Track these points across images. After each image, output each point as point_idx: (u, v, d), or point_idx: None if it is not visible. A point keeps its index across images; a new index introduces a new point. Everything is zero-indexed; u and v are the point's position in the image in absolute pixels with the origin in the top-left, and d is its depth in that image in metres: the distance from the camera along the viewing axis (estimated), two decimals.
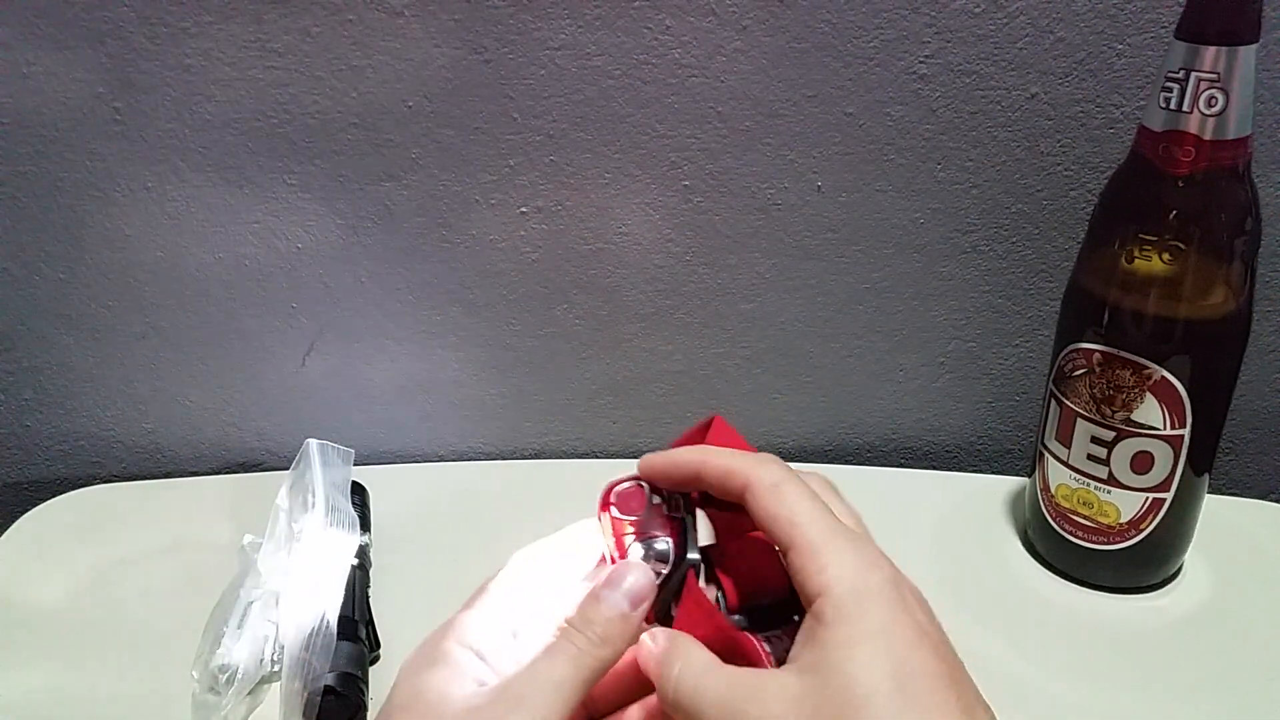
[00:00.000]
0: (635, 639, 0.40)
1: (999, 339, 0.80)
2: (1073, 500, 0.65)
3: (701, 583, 0.40)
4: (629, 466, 0.81)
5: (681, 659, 0.38)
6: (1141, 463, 0.61)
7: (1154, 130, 0.55)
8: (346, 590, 0.62)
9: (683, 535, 0.42)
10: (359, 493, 0.73)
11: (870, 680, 0.33)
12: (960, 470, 0.83)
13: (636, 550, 0.42)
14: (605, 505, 0.45)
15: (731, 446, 0.44)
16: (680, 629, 0.39)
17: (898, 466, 0.83)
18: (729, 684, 0.36)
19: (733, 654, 0.38)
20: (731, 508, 0.41)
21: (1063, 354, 0.63)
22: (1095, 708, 0.58)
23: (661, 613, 0.41)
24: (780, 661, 0.37)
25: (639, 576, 0.41)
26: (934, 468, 0.84)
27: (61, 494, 0.77)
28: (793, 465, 0.41)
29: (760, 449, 0.81)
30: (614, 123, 0.70)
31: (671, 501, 0.44)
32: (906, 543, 0.71)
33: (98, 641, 0.64)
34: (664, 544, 0.42)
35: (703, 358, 0.80)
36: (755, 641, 0.38)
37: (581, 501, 0.76)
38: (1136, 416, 0.60)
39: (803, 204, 0.73)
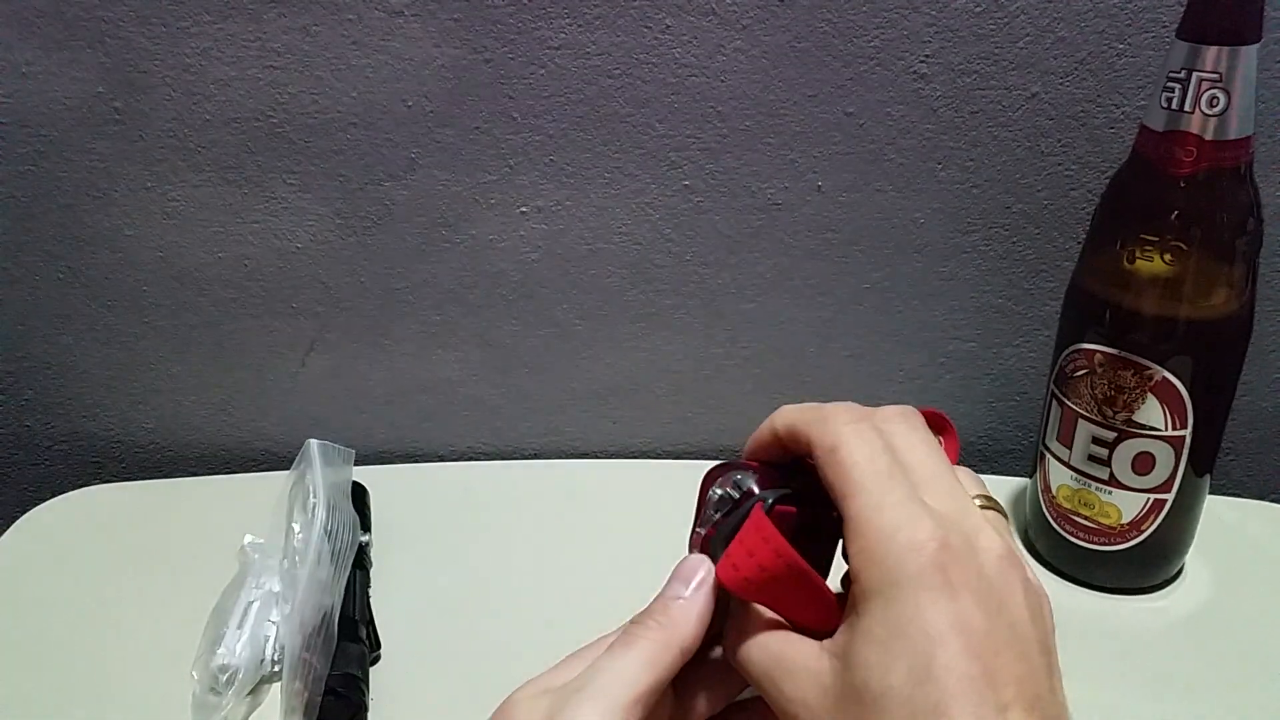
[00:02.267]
0: (702, 622, 0.39)
1: (999, 339, 0.80)
2: (1074, 501, 0.65)
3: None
4: (629, 466, 0.82)
5: (737, 625, 0.38)
6: (1143, 463, 0.61)
7: (1155, 130, 0.55)
8: (347, 590, 0.62)
9: (767, 478, 0.40)
10: (359, 493, 0.73)
11: (886, 678, 0.32)
12: None
13: (714, 493, 0.41)
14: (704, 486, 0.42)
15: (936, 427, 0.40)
16: (735, 554, 0.37)
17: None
18: (774, 657, 0.36)
19: (797, 587, 0.36)
20: None
21: (1064, 354, 0.63)
22: (1096, 708, 0.58)
23: (722, 540, 0.39)
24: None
25: (694, 562, 0.40)
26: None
27: (61, 494, 0.77)
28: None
29: None
30: (614, 123, 0.70)
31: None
32: None
33: (98, 641, 0.64)
34: (745, 481, 0.40)
35: (703, 358, 0.80)
36: (818, 580, 0.37)
37: (581, 502, 0.77)
38: (1138, 417, 0.60)
39: (803, 204, 0.73)
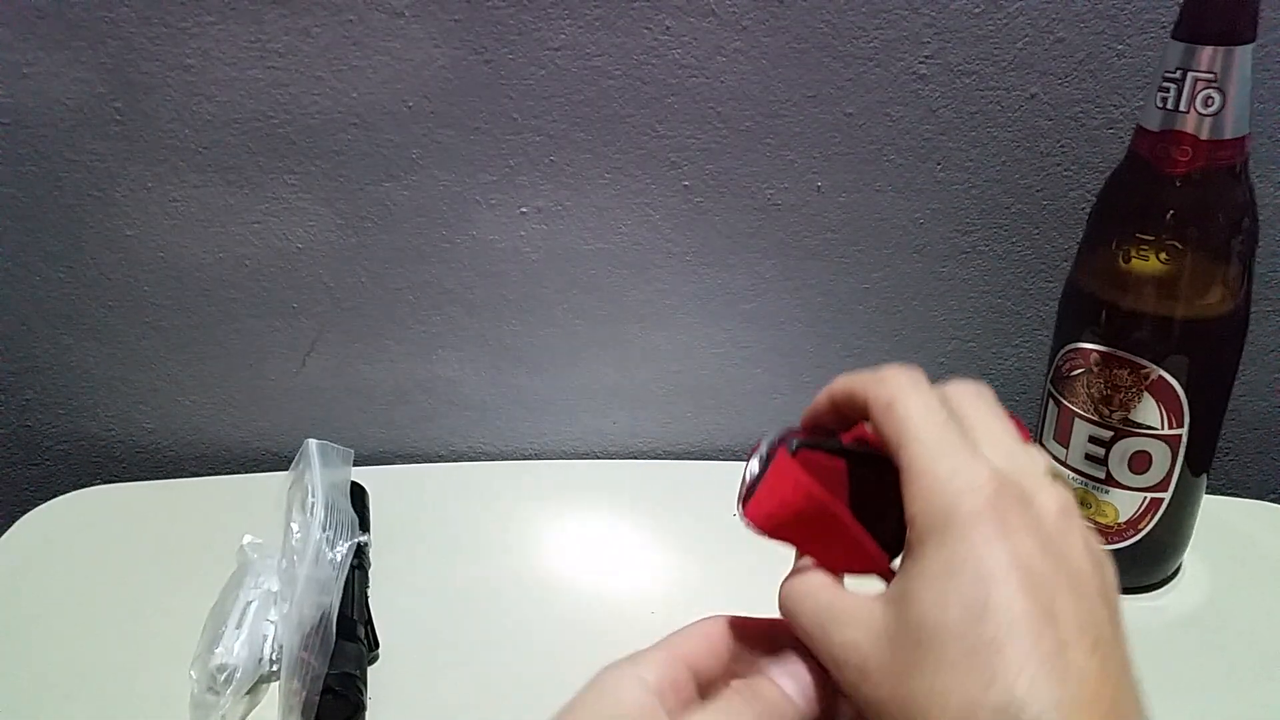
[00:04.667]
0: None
1: (999, 339, 0.80)
2: None
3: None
4: (629, 467, 0.82)
5: (794, 576, 0.38)
6: (1139, 462, 0.61)
7: (1151, 130, 0.55)
8: (345, 590, 0.62)
9: (809, 434, 0.40)
10: (358, 493, 0.73)
11: (939, 618, 0.31)
12: None
13: (754, 458, 0.40)
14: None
15: None
16: (761, 492, 0.37)
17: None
18: (825, 605, 0.36)
19: (827, 527, 0.36)
20: None
21: (1060, 354, 0.63)
22: None
23: (752, 487, 0.39)
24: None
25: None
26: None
27: (61, 494, 0.77)
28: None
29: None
30: (614, 123, 0.70)
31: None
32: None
33: (97, 641, 0.64)
34: (779, 433, 0.39)
35: (703, 358, 0.81)
36: (851, 522, 0.36)
37: (581, 501, 0.77)
38: (1134, 416, 0.60)
39: (803, 204, 0.73)
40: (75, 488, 0.78)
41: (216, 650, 0.59)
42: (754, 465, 0.39)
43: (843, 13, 0.66)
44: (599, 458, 0.85)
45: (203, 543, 0.70)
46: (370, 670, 0.61)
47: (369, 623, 0.63)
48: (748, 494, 0.39)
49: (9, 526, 0.74)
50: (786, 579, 0.39)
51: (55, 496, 0.77)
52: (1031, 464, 0.35)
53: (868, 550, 0.37)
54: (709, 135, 0.70)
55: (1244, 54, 0.52)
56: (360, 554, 0.67)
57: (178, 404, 0.82)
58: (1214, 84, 0.52)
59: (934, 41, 0.67)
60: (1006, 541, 0.32)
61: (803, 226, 0.74)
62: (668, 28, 0.67)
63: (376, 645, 0.62)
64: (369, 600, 0.65)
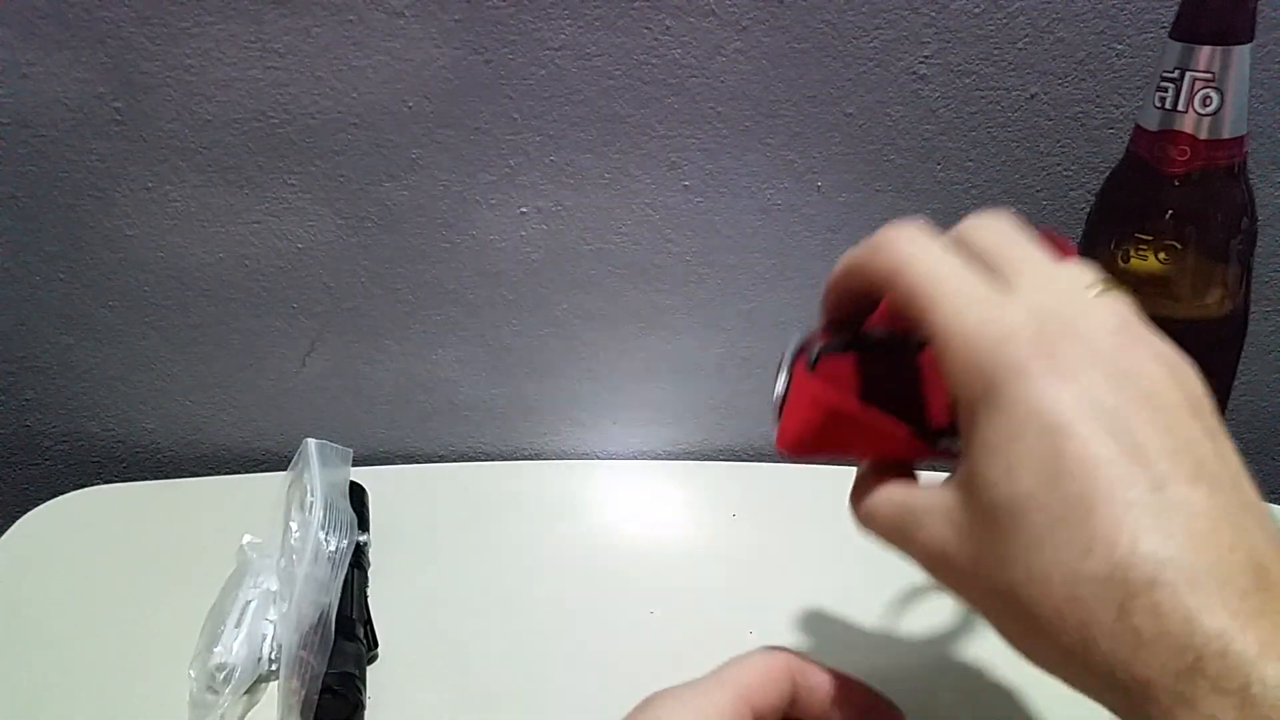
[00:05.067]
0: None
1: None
2: None
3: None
4: (629, 467, 0.82)
5: (857, 489, 0.36)
6: None
7: (1149, 130, 0.55)
8: (345, 589, 0.62)
9: (828, 336, 0.37)
10: (357, 492, 0.73)
11: (1011, 490, 0.28)
12: None
13: (785, 359, 0.38)
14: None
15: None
16: (786, 417, 0.36)
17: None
18: (898, 507, 0.33)
19: (857, 432, 0.34)
20: None
21: None
22: (1095, 707, 0.58)
23: (781, 399, 0.37)
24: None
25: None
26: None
27: (61, 494, 0.77)
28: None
29: (760, 449, 0.81)
30: (614, 123, 0.70)
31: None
32: None
33: (97, 641, 0.64)
34: (795, 344, 0.38)
35: (703, 358, 0.80)
36: (877, 418, 0.34)
37: (581, 502, 0.77)
38: None
39: (803, 204, 0.73)
40: (75, 488, 0.78)
41: (216, 649, 0.59)
42: (779, 384, 0.37)
43: (843, 13, 0.66)
44: (599, 458, 0.85)
45: (202, 542, 0.70)
46: (369, 670, 0.61)
47: (368, 622, 0.63)
48: (776, 417, 0.37)
49: (9, 526, 0.74)
50: (854, 491, 0.36)
51: (55, 496, 0.77)
52: (1072, 284, 0.31)
53: (908, 442, 0.34)
54: (709, 135, 0.70)
55: (1242, 54, 0.52)
56: (360, 553, 0.67)
57: (178, 404, 0.82)
58: (1212, 84, 0.52)
59: (934, 41, 0.67)
60: (1062, 382, 0.28)
61: (802, 226, 0.74)
62: (668, 28, 0.67)
63: (376, 645, 0.62)
64: (368, 600, 0.65)
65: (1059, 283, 0.31)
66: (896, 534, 0.33)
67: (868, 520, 0.35)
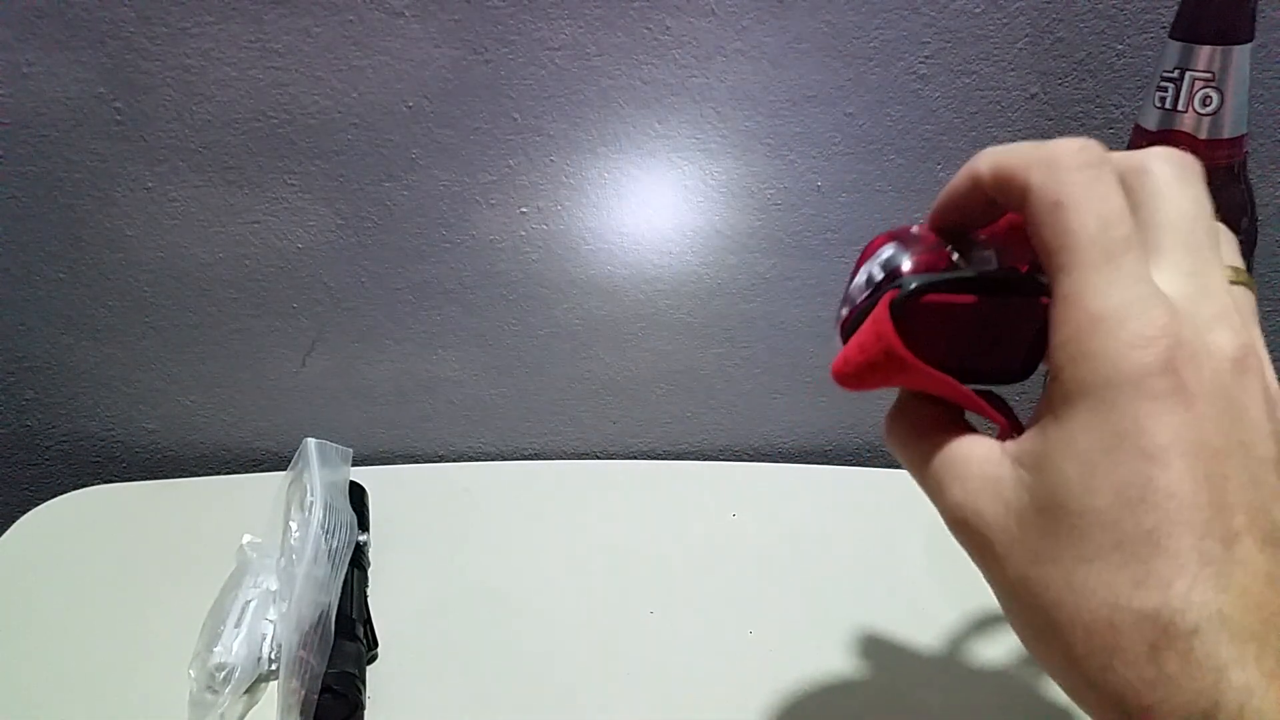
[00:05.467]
0: None
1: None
2: None
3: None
4: (629, 467, 0.82)
5: (900, 407, 0.34)
6: None
7: (1149, 130, 0.55)
8: (344, 589, 0.62)
9: (932, 256, 0.33)
10: (357, 492, 0.73)
11: (1086, 501, 0.27)
12: None
13: (863, 271, 0.34)
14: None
15: None
16: (850, 348, 0.33)
17: (898, 467, 0.83)
18: (943, 454, 0.32)
19: (934, 388, 0.32)
20: None
21: None
22: None
23: (851, 329, 0.34)
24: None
25: None
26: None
27: (61, 494, 0.77)
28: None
29: (760, 449, 0.81)
30: (613, 123, 0.70)
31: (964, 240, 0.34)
32: (905, 543, 0.71)
33: (96, 640, 0.64)
34: (898, 259, 0.33)
35: (703, 358, 0.80)
36: (959, 390, 0.32)
37: (581, 502, 0.77)
38: None
39: (803, 204, 0.73)
40: (75, 488, 0.78)
41: (215, 649, 0.59)
42: (859, 285, 0.33)
43: (843, 13, 0.66)
44: (599, 458, 0.85)
45: (202, 542, 0.70)
46: (369, 669, 0.61)
47: (368, 622, 0.63)
48: (845, 330, 0.34)
49: (9, 526, 0.74)
50: (894, 407, 0.34)
51: (55, 496, 0.77)
52: (1218, 285, 0.29)
53: (988, 411, 0.32)
54: (709, 135, 0.70)
55: (1242, 53, 0.52)
56: (359, 553, 0.67)
57: (178, 404, 0.82)
58: (1212, 83, 0.52)
59: (934, 41, 0.67)
60: (1178, 414, 0.26)
61: (803, 226, 0.74)
62: (668, 28, 0.67)
63: (375, 644, 0.62)
64: (368, 599, 0.65)
65: (1206, 277, 0.29)
66: (932, 478, 0.31)
67: (903, 453, 0.33)
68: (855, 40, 0.67)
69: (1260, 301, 0.69)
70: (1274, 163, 0.71)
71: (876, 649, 0.63)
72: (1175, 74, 0.53)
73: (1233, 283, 0.30)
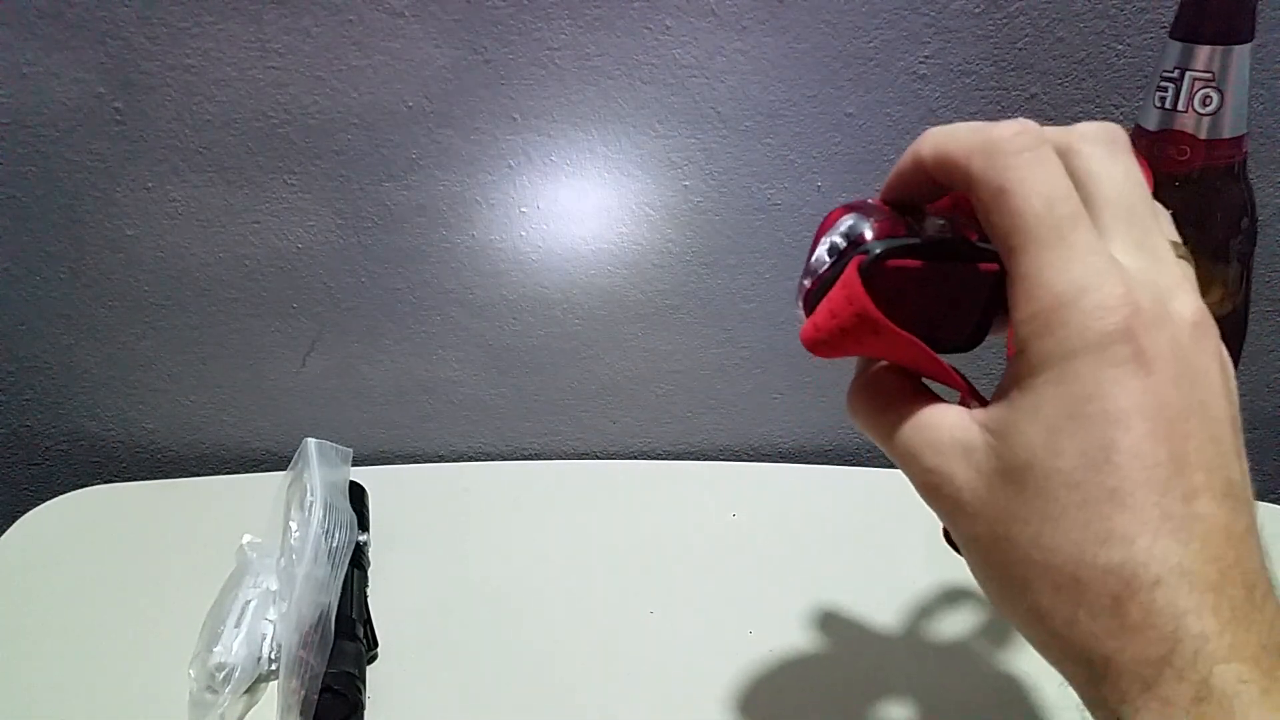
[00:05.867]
0: None
1: (999, 338, 0.80)
2: None
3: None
4: (629, 467, 0.82)
5: (865, 381, 0.34)
6: None
7: (1149, 130, 0.55)
8: (344, 589, 0.62)
9: (891, 224, 0.33)
10: (357, 492, 0.73)
11: (1051, 463, 0.28)
12: None
13: (825, 240, 0.34)
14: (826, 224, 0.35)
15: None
16: (820, 314, 0.33)
17: (897, 467, 0.83)
18: (913, 423, 0.32)
19: (896, 358, 0.33)
20: None
21: None
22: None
23: (818, 297, 0.34)
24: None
25: None
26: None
27: (61, 494, 0.77)
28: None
29: (760, 449, 0.81)
30: (614, 123, 0.70)
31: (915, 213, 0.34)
32: (905, 543, 0.71)
33: (96, 640, 0.64)
34: (859, 227, 0.33)
35: (703, 358, 0.80)
36: (923, 352, 0.32)
37: (581, 502, 0.77)
38: None
39: (803, 204, 0.73)
40: (75, 488, 0.78)
41: (215, 649, 0.59)
42: (819, 268, 0.34)
43: (843, 13, 0.66)
44: (599, 458, 0.85)
45: (202, 542, 0.70)
46: (369, 669, 0.61)
47: (368, 622, 0.63)
48: (810, 299, 0.34)
49: (9, 526, 0.74)
50: (857, 379, 0.35)
51: (55, 496, 0.77)
52: (1167, 255, 0.30)
53: (954, 379, 0.33)
54: (709, 135, 0.70)
55: (1242, 53, 0.52)
56: (359, 553, 0.67)
57: (178, 404, 0.82)
58: (1212, 83, 0.52)
59: (934, 41, 0.67)
60: (1139, 379, 0.28)
61: (803, 226, 0.74)
62: (668, 28, 0.67)
63: (375, 644, 0.62)
64: (368, 599, 0.65)
65: (1154, 248, 0.30)
66: (904, 448, 0.32)
67: (869, 425, 0.34)
68: (855, 40, 0.67)
69: (1260, 301, 0.69)
70: (1274, 163, 0.71)
71: (876, 649, 0.63)
72: (1175, 74, 0.53)
73: (1179, 255, 0.31)
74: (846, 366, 0.81)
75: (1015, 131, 0.30)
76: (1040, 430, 0.28)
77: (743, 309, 0.78)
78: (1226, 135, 0.53)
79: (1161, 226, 0.31)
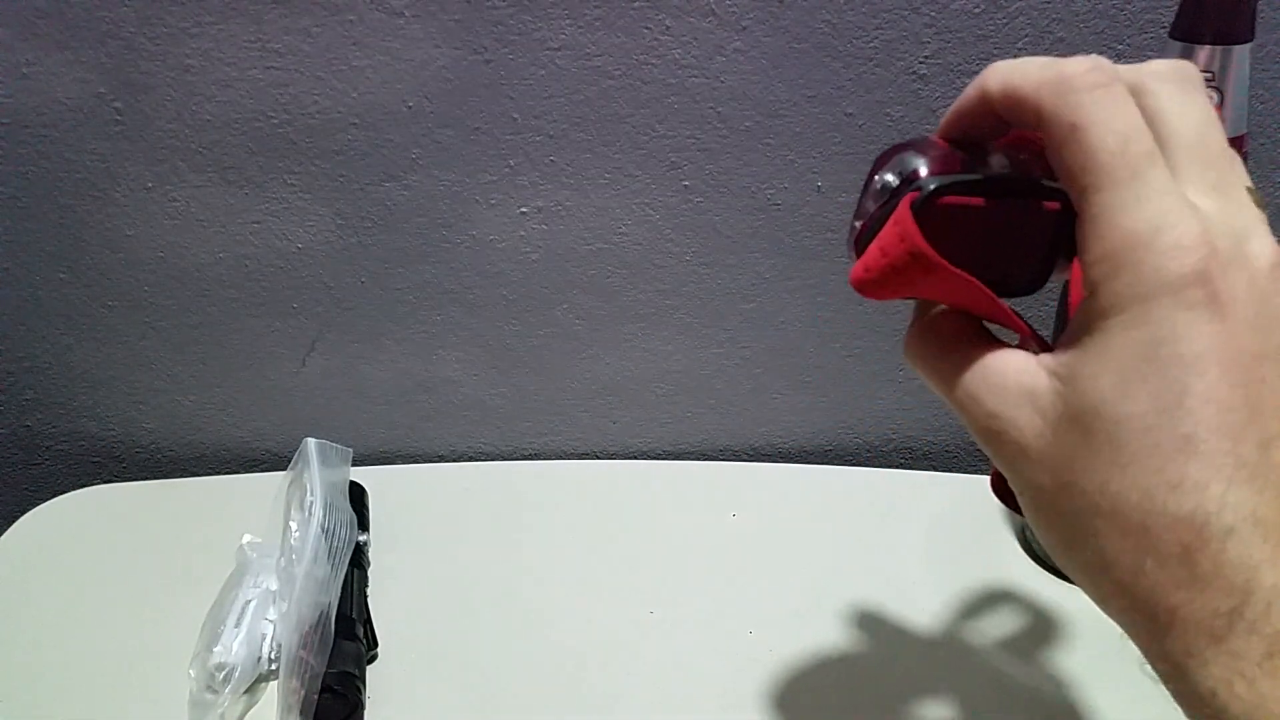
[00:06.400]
0: None
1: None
2: None
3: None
4: (629, 467, 0.82)
5: (925, 324, 0.33)
6: None
7: None
8: (344, 589, 0.62)
9: (947, 161, 0.32)
10: (358, 492, 0.73)
11: (1122, 408, 0.27)
12: (960, 470, 0.83)
13: (877, 180, 0.33)
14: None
15: None
16: (870, 254, 0.31)
17: (898, 467, 0.83)
18: (977, 365, 0.31)
19: (958, 294, 0.32)
20: None
21: None
22: (1093, 708, 0.58)
23: (871, 236, 0.32)
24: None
25: None
26: (934, 468, 0.84)
27: (61, 494, 0.77)
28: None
29: (760, 449, 0.81)
30: (614, 123, 0.70)
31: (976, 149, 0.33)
32: (905, 543, 0.71)
33: (96, 640, 0.64)
34: (912, 163, 0.32)
35: (703, 358, 0.80)
36: (984, 294, 0.31)
37: (581, 502, 0.77)
38: None
39: (803, 204, 0.73)
40: (75, 488, 0.78)
41: (215, 649, 0.59)
42: (877, 194, 0.33)
43: (843, 13, 0.66)
44: (599, 458, 0.85)
45: (202, 542, 0.70)
46: (369, 669, 0.61)
47: (368, 622, 0.63)
48: (861, 240, 0.33)
49: (9, 526, 0.74)
50: (915, 324, 0.34)
51: (55, 496, 0.77)
52: (1243, 197, 0.29)
53: (1015, 321, 0.32)
54: (709, 135, 0.70)
55: (1242, 53, 0.52)
56: (359, 553, 0.67)
57: (178, 404, 0.82)
58: (1212, 84, 0.52)
59: (934, 41, 0.67)
60: (1215, 323, 0.27)
61: (802, 226, 0.74)
62: (668, 28, 0.67)
63: (375, 644, 0.62)
64: (368, 599, 0.65)
65: (1233, 190, 0.29)
66: (964, 391, 0.31)
67: (929, 370, 0.33)
68: (855, 40, 0.67)
69: None
70: (1274, 163, 0.71)
71: (876, 649, 0.63)
72: None
73: (1256, 200, 0.30)
74: (846, 366, 0.81)
75: (1088, 67, 0.29)
76: (1111, 374, 0.28)
77: (743, 309, 0.78)
78: (1226, 135, 0.53)
79: (1236, 169, 0.30)
